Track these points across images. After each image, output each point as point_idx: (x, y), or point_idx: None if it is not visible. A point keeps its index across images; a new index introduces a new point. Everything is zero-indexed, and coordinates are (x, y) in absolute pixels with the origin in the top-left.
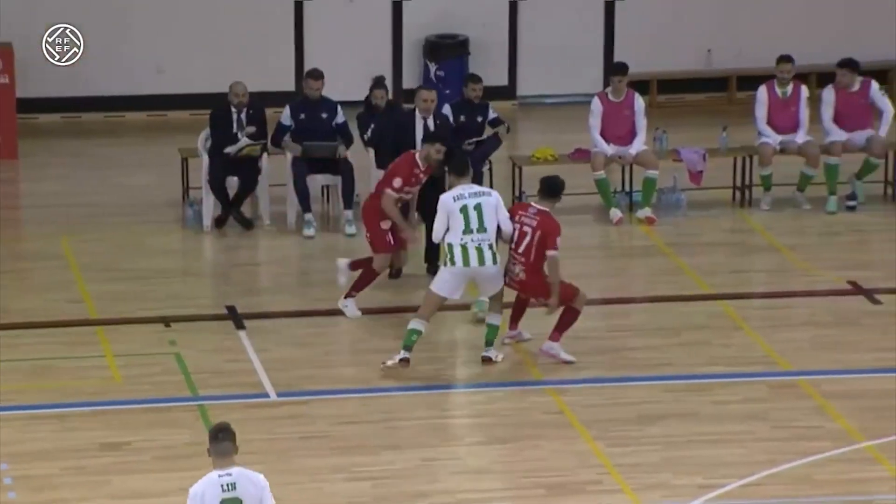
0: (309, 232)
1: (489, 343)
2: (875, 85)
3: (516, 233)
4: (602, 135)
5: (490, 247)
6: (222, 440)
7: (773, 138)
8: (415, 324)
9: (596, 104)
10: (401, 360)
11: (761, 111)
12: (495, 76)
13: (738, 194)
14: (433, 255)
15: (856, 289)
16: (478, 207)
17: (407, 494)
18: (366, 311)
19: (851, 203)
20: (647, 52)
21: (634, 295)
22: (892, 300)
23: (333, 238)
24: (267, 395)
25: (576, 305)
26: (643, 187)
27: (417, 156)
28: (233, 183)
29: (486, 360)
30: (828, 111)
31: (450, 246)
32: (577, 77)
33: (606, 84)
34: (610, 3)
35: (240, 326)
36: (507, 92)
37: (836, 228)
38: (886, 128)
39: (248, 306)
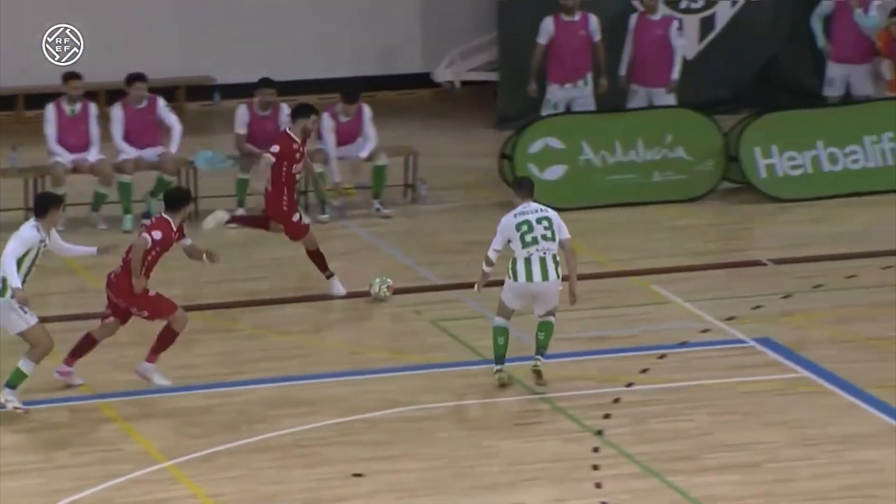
0: None
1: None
2: (162, 101)
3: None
4: None
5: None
6: None
7: (64, 157)
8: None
9: None
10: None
11: (51, 130)
12: None
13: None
14: None
15: None
16: None
17: None
18: None
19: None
20: None
21: None
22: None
23: None
24: None
25: (174, 327)
26: None
27: (291, 132)
28: None
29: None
30: (118, 128)
31: None
32: None
33: None
34: None
35: None
36: None
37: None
38: (177, 144)
39: None
